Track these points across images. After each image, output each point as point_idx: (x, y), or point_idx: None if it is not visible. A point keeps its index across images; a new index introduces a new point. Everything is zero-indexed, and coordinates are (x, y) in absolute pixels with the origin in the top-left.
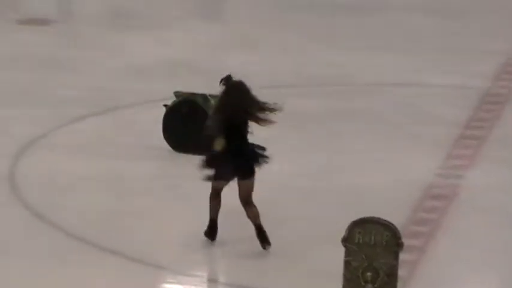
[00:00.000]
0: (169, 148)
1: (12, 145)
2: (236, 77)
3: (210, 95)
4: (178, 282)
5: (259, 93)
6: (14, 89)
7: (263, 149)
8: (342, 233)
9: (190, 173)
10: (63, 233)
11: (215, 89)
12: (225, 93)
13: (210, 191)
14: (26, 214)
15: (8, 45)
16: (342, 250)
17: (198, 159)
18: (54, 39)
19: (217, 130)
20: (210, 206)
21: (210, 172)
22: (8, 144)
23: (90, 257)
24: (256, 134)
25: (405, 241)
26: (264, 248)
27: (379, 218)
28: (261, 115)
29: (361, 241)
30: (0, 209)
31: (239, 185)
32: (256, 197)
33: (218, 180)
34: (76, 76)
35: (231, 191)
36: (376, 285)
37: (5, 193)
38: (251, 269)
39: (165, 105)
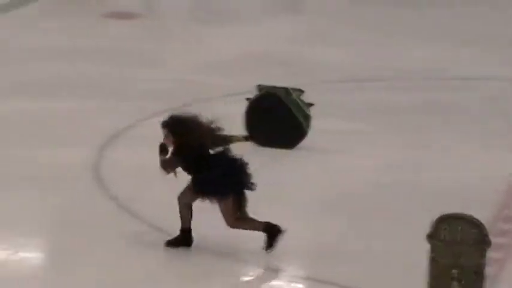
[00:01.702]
0: (250, 141)
1: (97, 137)
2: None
3: (291, 89)
4: (260, 276)
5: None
6: (99, 82)
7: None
8: (427, 228)
9: (273, 166)
10: (147, 225)
11: (297, 82)
12: (178, 134)
13: (295, 187)
14: (110, 205)
15: (94, 39)
16: (427, 246)
17: (280, 152)
18: (138, 33)
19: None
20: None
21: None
22: (93, 136)
23: (172, 249)
24: (335, 129)
25: (492, 239)
26: (266, 250)
27: (465, 215)
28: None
29: (447, 238)
30: (85, 200)
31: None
32: (340, 191)
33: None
34: (159, 69)
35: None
36: (462, 283)
37: (90, 184)
38: (332, 264)
39: (248, 99)
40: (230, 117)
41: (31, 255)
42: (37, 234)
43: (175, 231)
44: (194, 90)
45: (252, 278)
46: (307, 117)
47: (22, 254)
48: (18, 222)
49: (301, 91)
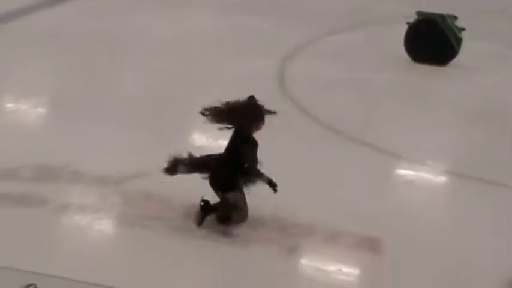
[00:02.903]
0: (410, 59)
1: (281, 50)
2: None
3: (447, 15)
4: (412, 169)
5: None
6: (285, 7)
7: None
8: None
9: (428, 80)
10: (321, 125)
11: (452, 10)
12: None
13: (445, 98)
14: (291, 107)
15: None
16: None
17: (434, 68)
18: None
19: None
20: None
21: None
22: (278, 50)
23: (341, 146)
24: (483, 51)
25: None
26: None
27: None
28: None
29: None
30: (271, 101)
31: None
32: (485, 104)
33: None
34: None
35: None
36: None
37: (275, 89)
38: (478, 162)
39: (408, 23)
40: (393, 37)
41: None
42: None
43: (346, 131)
44: (364, 15)
45: (402, 170)
46: (458, 40)
47: (221, 141)
48: None
49: (455, 17)
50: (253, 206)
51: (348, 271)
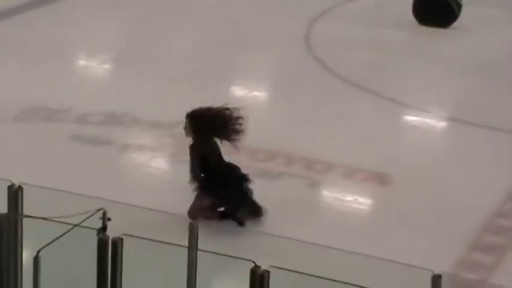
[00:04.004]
0: (416, 22)
1: (307, 15)
2: None
3: None
4: (417, 116)
5: None
6: None
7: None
8: None
9: (432, 40)
10: (339, 78)
11: None
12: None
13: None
14: (314, 64)
15: None
16: None
17: (438, 30)
18: None
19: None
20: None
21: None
22: (305, 15)
23: (357, 96)
24: (482, 15)
25: None
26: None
27: None
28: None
29: None
30: (297, 60)
31: None
32: (483, 59)
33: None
34: None
35: None
36: None
37: (302, 48)
38: (474, 109)
39: None
40: (402, 3)
41: (263, 94)
42: (264, 80)
43: (360, 82)
44: None
45: (409, 116)
46: (459, 5)
47: (256, 93)
48: (249, 76)
49: None
50: (283, 147)
51: (363, 201)
